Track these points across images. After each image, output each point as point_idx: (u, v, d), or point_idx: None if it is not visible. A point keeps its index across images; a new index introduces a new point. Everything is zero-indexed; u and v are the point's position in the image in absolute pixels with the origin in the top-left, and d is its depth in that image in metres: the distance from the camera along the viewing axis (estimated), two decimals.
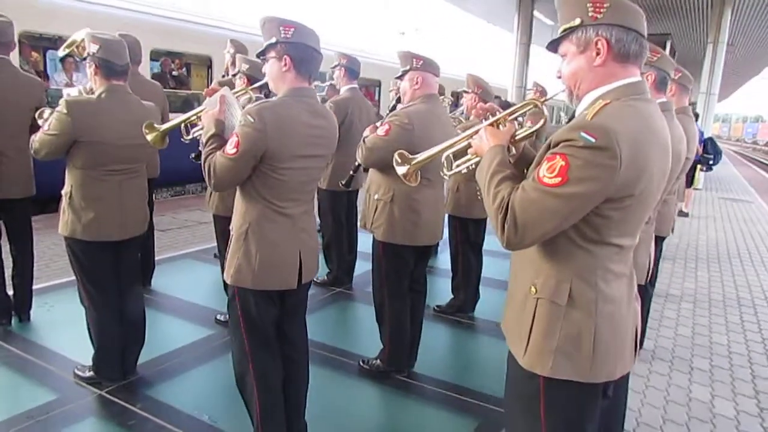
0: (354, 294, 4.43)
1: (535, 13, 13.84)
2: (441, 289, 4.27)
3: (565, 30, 1.40)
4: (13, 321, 3.44)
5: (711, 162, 7.21)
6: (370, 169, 3.04)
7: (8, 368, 2.94)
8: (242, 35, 9.44)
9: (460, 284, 4.01)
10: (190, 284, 4.39)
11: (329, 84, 4.88)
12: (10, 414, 2.52)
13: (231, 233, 2.11)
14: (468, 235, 3.94)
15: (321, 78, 3.31)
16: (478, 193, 1.87)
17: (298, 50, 1.99)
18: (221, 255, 3.60)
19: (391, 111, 3.20)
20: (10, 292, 3.45)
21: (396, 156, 1.93)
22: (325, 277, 4.54)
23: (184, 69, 9.15)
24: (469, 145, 1.67)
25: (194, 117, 2.44)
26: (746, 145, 53.80)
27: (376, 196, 2.94)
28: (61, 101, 2.44)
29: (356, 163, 3.20)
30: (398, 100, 3.17)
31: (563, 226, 1.32)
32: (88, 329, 2.75)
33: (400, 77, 2.98)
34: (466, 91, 3.86)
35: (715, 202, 10.74)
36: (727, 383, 3.25)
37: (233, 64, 4.76)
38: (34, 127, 3.34)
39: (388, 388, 2.97)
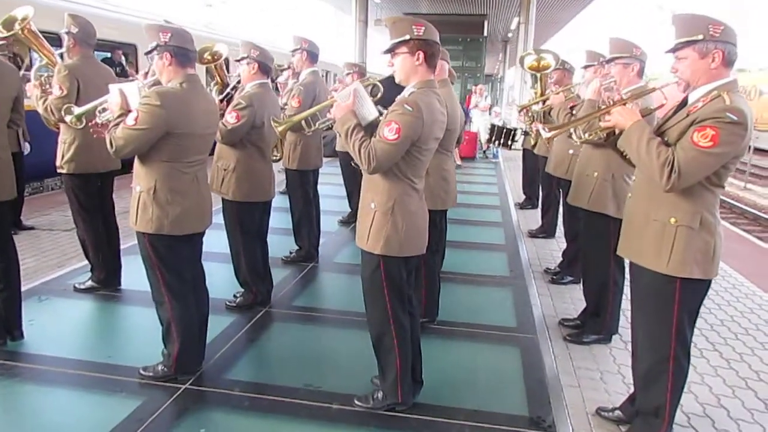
0: (328, 266, 4.68)
1: None
2: None
3: (687, 41, 2.02)
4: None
5: None
6: None
7: (62, 386, 2.70)
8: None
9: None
10: None
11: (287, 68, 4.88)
12: (113, 423, 2.40)
13: (372, 209, 2.35)
14: None
15: None
16: None
17: (428, 46, 2.29)
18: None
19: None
20: None
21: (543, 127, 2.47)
22: (294, 254, 4.68)
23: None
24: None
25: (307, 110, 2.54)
26: None
27: None
28: (151, 92, 2.33)
29: None
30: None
31: (706, 175, 1.97)
32: (167, 328, 2.68)
33: None
34: None
35: None
36: None
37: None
38: (12, 121, 2.98)
39: (431, 336, 3.36)
